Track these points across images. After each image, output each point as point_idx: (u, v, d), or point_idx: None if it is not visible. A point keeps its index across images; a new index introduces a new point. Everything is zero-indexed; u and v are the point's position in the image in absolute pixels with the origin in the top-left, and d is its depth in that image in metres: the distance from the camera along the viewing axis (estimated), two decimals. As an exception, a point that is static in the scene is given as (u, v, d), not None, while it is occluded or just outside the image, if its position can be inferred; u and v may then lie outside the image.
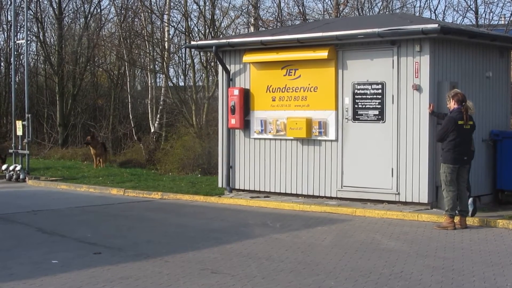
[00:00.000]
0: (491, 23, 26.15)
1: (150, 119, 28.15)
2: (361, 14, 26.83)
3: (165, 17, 28.55)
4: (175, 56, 31.13)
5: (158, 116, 27.73)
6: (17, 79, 33.77)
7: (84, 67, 34.59)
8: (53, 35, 36.36)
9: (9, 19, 34.76)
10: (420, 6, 32.20)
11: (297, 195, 16.46)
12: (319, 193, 16.11)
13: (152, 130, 27.55)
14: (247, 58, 16.99)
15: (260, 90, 16.98)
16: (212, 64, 26.54)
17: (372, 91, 15.28)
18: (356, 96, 15.52)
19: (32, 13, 33.91)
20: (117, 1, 33.17)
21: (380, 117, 15.17)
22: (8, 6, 35.23)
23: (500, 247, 11.46)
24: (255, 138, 17.13)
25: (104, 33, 36.13)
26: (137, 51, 30.75)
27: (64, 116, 32.99)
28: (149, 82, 29.86)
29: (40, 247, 11.49)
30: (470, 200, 13.65)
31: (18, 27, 33.59)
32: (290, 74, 16.48)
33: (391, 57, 15.00)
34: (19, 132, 22.58)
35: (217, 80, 20.76)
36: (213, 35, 26.55)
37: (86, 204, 16.86)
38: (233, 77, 17.49)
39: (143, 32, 29.58)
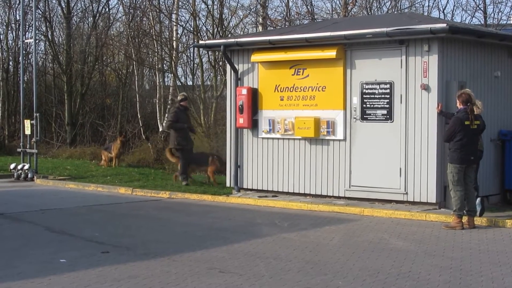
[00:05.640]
0: (500, 22, 26.11)
1: (158, 118, 28.18)
2: (369, 13, 26.80)
3: (174, 16, 28.57)
4: (184, 55, 31.14)
5: (166, 115, 27.72)
6: (26, 78, 33.78)
7: (93, 66, 34.62)
8: (62, 34, 36.43)
9: (18, 18, 34.83)
10: (428, 6, 32.21)
11: (305, 195, 16.46)
12: (327, 193, 16.11)
13: (160, 130, 27.56)
14: (255, 57, 16.99)
15: (268, 89, 16.98)
16: (221, 63, 26.54)
17: (380, 91, 15.27)
18: (364, 96, 15.51)
19: (41, 12, 33.96)
20: (125, 0, 33.23)
21: (388, 116, 15.15)
22: (16, 5, 35.28)
23: (508, 247, 11.44)
24: (263, 138, 17.13)
25: (112, 32, 36.19)
26: (146, 50, 30.77)
27: (72, 115, 33.04)
28: (157, 81, 29.89)
29: (48, 246, 11.51)
30: (478, 200, 13.63)
31: (27, 26, 33.79)
32: (298, 73, 16.48)
33: (399, 56, 14.98)
34: (28, 131, 22.62)
35: (225, 80, 20.76)
36: (221, 34, 26.56)
37: (94, 203, 16.89)
38: (241, 76, 17.49)
39: (151, 31, 29.60)
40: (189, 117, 20.70)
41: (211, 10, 27.39)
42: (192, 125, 21.30)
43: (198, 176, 20.29)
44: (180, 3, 28.20)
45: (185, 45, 31.22)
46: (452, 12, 30.56)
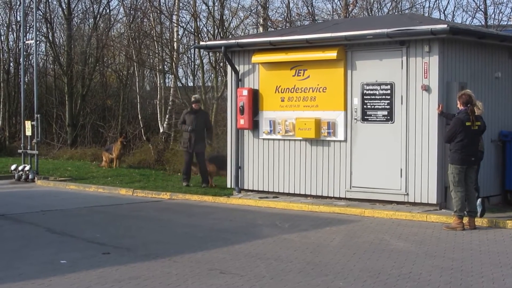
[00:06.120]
0: (500, 23, 26.10)
1: (159, 119, 28.15)
2: (370, 14, 26.80)
3: (174, 17, 28.52)
4: (184, 56, 31.15)
5: (167, 116, 27.71)
6: (26, 79, 33.78)
7: (93, 68, 34.63)
8: (62, 35, 36.42)
9: (19, 19, 34.81)
10: (429, 7, 32.09)
11: (305, 196, 16.46)
12: (327, 194, 16.11)
13: (161, 131, 27.55)
14: (256, 58, 16.99)
15: (269, 90, 16.98)
16: (221, 64, 26.54)
17: (381, 92, 15.27)
18: (365, 97, 15.52)
19: (41, 14, 33.95)
20: (126, 2, 33.23)
21: (389, 117, 15.15)
22: (17, 6, 35.29)
23: (509, 248, 11.44)
24: (264, 139, 17.13)
25: (113, 33, 36.20)
26: (146, 52, 30.74)
27: (73, 116, 33.03)
28: (158, 82, 29.86)
29: (48, 247, 11.52)
30: (479, 200, 13.62)
31: (27, 27, 33.77)
32: (299, 74, 16.49)
33: (400, 57, 14.98)
34: (28, 133, 22.62)
35: (226, 81, 20.74)
36: (222, 35, 26.56)
37: (95, 204, 16.89)
38: (242, 77, 17.49)
39: (152, 32, 29.59)
40: (201, 120, 19.35)
41: (212, 11, 27.39)
42: (207, 128, 19.63)
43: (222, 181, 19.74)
44: (180, 4, 28.18)
45: (185, 46, 31.25)
46: (453, 13, 30.48)
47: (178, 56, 28.62)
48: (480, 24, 26.18)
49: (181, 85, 28.44)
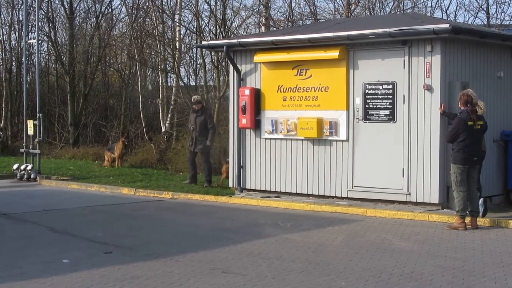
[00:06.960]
0: (502, 23, 26.09)
1: (161, 119, 28.14)
2: (372, 14, 26.78)
3: (176, 16, 28.51)
4: (186, 55, 31.11)
5: (169, 115, 27.70)
6: (29, 78, 33.79)
7: (95, 67, 34.61)
8: (64, 34, 36.40)
9: (21, 19, 34.83)
10: (431, 6, 32.20)
11: (308, 195, 16.45)
12: (330, 193, 16.11)
13: (163, 130, 27.55)
14: (258, 58, 16.99)
15: (271, 90, 16.98)
16: (223, 64, 26.51)
17: (383, 91, 15.26)
18: (367, 96, 15.51)
19: (43, 13, 33.96)
20: (128, 1, 33.22)
21: (391, 117, 15.15)
22: (19, 6, 35.28)
23: (511, 248, 11.43)
24: (266, 138, 17.13)
25: (115, 32, 36.19)
26: (148, 51, 30.72)
27: (75, 115, 33.02)
28: (160, 81, 29.84)
29: (51, 247, 11.52)
30: (481, 200, 13.62)
31: (30, 26, 33.76)
32: (301, 74, 16.48)
33: (402, 57, 14.98)
34: (30, 132, 22.63)
35: (228, 80, 20.73)
36: (224, 35, 26.55)
37: (97, 203, 16.89)
38: (244, 77, 17.50)
39: (154, 31, 29.56)
40: (201, 119, 19.28)
41: (214, 10, 27.37)
42: (208, 128, 19.32)
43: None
44: (183, 4, 28.18)
45: (188, 45, 31.22)
46: (455, 13, 30.59)
47: (180, 55, 28.61)
48: (482, 23, 26.17)
49: (183, 84, 28.43)
